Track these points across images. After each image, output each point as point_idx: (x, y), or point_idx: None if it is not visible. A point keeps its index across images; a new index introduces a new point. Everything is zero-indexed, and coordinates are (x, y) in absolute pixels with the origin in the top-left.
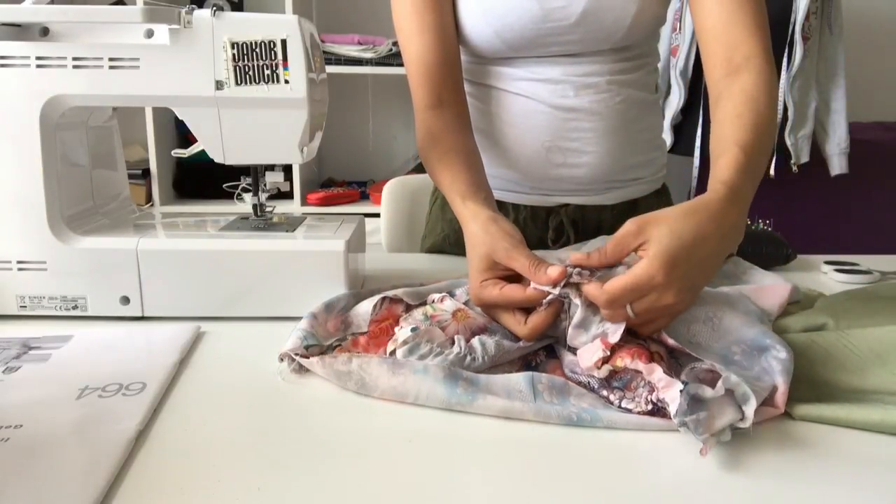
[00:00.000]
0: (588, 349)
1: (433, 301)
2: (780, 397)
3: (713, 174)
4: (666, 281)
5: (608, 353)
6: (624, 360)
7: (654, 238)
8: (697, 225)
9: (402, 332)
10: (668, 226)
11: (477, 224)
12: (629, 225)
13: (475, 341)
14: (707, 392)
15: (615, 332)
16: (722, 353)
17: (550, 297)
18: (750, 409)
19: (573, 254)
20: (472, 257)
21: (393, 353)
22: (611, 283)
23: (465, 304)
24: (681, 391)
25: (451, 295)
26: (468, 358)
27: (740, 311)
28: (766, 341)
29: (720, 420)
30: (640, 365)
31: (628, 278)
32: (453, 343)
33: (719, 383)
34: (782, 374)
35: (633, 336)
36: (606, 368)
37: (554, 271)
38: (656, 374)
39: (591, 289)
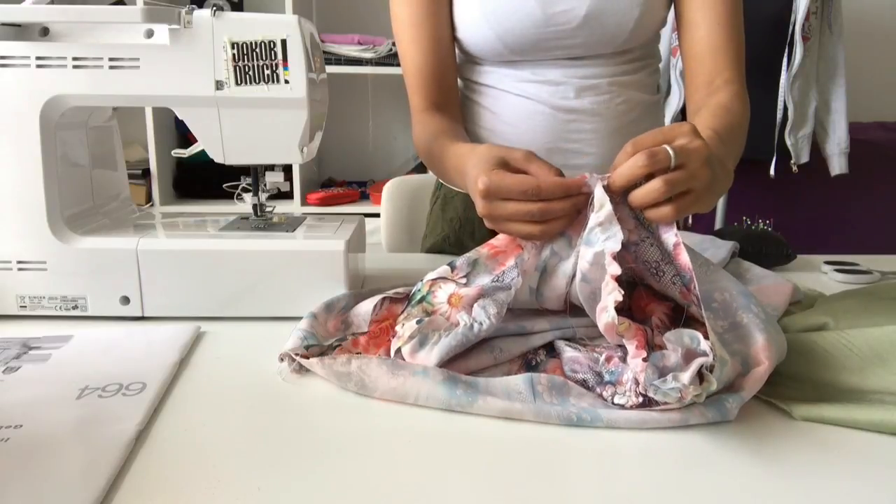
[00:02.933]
0: (605, 289)
1: (426, 295)
2: (763, 351)
3: None
4: (692, 130)
5: (622, 294)
6: (630, 330)
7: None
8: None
9: (408, 326)
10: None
11: (485, 146)
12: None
13: (475, 308)
14: (671, 359)
15: (615, 240)
16: (704, 297)
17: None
18: (705, 345)
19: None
20: (481, 160)
21: (398, 351)
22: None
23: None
24: (645, 360)
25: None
26: (476, 325)
27: (732, 278)
28: (751, 299)
29: (687, 371)
30: (632, 346)
31: (654, 131)
32: (458, 324)
33: (669, 349)
34: (762, 331)
35: (640, 321)
36: (610, 314)
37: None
38: (636, 360)
39: (619, 156)
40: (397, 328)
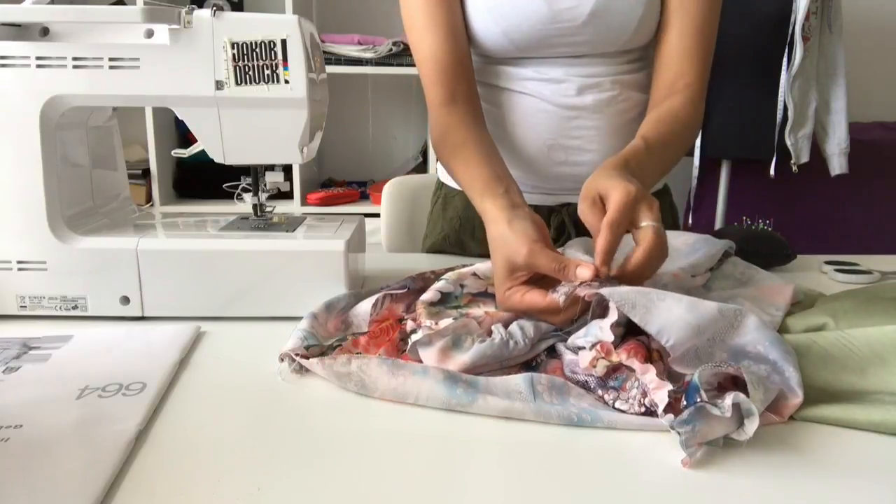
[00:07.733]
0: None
1: (462, 306)
2: (789, 409)
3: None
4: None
5: (602, 355)
6: (620, 357)
7: (640, 208)
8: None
9: (443, 322)
10: (627, 187)
11: (497, 228)
12: (616, 215)
13: (514, 326)
14: (714, 411)
15: (606, 332)
16: (737, 351)
17: (579, 291)
18: (752, 425)
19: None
20: (495, 260)
21: (413, 332)
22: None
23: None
24: (685, 405)
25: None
26: (511, 342)
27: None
28: (783, 346)
29: (714, 431)
30: (635, 363)
31: (643, 259)
32: (491, 333)
33: (728, 399)
34: (799, 385)
35: (635, 334)
36: (603, 364)
37: (584, 272)
38: (649, 374)
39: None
40: (423, 321)
